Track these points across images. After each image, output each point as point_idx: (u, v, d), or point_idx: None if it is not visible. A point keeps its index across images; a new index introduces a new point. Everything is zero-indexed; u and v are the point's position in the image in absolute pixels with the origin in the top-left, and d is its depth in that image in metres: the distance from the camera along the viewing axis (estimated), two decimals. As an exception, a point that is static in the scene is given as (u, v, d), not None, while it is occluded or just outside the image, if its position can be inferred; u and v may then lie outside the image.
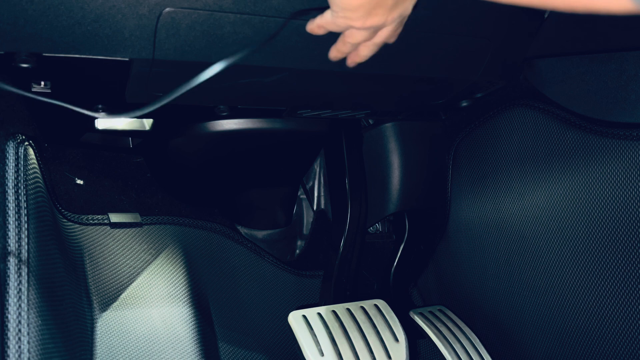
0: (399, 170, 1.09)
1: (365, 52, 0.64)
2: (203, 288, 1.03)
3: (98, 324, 0.91)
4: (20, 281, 0.74)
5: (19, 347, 0.71)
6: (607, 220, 0.80)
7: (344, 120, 1.06)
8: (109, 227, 0.99)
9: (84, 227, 0.97)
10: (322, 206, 1.20)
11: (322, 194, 1.20)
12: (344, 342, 0.91)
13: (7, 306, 0.72)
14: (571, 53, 0.85)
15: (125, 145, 1.09)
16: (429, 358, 1.08)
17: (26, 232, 0.76)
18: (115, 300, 0.94)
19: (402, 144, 1.08)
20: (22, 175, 0.78)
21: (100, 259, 0.96)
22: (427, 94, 0.93)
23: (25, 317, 0.72)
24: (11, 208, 0.76)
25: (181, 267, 1.01)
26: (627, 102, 0.78)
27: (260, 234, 1.20)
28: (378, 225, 1.20)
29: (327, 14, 0.59)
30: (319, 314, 0.96)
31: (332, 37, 0.71)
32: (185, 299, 0.98)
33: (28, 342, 0.71)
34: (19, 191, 0.77)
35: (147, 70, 0.70)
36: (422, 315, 1.06)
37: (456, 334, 1.01)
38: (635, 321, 0.78)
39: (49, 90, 0.77)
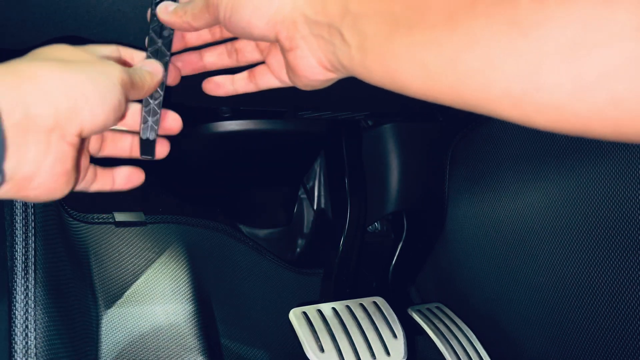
0: (398, 170, 1.10)
1: None
2: (205, 285, 1.04)
3: (103, 320, 0.92)
4: (27, 278, 0.75)
5: (26, 342, 0.72)
6: (600, 219, 0.81)
7: (343, 122, 1.07)
8: (113, 226, 1.00)
9: (89, 225, 0.98)
10: (323, 206, 1.20)
11: (322, 193, 1.21)
12: (344, 338, 0.92)
13: (14, 303, 0.73)
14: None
15: None
16: (426, 354, 1.09)
17: (33, 230, 0.77)
18: (120, 297, 0.95)
19: (400, 145, 1.09)
20: None
21: (105, 257, 0.97)
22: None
23: (32, 313, 0.73)
24: (18, 207, 0.77)
25: (184, 265, 1.02)
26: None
27: (261, 232, 1.21)
28: (377, 225, 1.21)
29: None
30: (319, 310, 0.96)
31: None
32: (188, 296, 0.99)
33: (35, 338, 0.72)
34: None
35: (152, 72, 0.71)
36: (420, 312, 1.06)
37: (453, 331, 1.02)
38: (626, 318, 0.79)
39: None
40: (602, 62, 0.26)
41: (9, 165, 0.34)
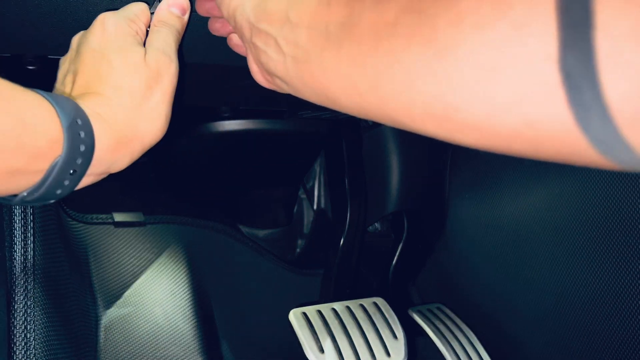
0: (398, 170, 1.10)
1: None
2: (205, 286, 1.04)
3: (102, 321, 0.92)
4: (26, 279, 0.75)
5: (25, 343, 0.72)
6: (601, 219, 0.81)
7: (344, 121, 1.07)
8: (112, 226, 1.00)
9: (88, 226, 0.98)
10: (323, 206, 1.20)
11: (322, 193, 1.21)
12: (344, 339, 0.92)
13: (13, 304, 0.73)
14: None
15: None
16: (427, 355, 1.09)
17: (32, 230, 0.77)
18: (119, 298, 0.95)
19: (401, 145, 1.09)
20: None
21: (104, 258, 0.97)
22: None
23: (32, 314, 0.73)
24: (17, 207, 0.77)
25: (184, 266, 1.02)
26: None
27: (261, 233, 1.21)
28: (377, 225, 1.21)
29: None
30: (319, 311, 0.96)
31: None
32: (188, 296, 0.99)
33: (34, 339, 0.72)
34: None
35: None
36: (420, 313, 1.06)
37: (454, 332, 1.02)
38: (627, 318, 0.79)
39: None
40: (513, 86, 0.26)
41: (97, 171, 0.42)
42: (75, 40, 0.51)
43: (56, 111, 0.37)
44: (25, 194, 0.38)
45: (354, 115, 0.37)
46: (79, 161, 0.38)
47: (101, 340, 0.91)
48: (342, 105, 0.37)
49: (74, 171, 0.39)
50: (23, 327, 0.72)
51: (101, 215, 1.00)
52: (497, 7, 0.26)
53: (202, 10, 0.55)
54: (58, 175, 0.38)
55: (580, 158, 0.27)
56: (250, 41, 0.43)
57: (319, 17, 0.37)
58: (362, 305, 1.00)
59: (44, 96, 0.38)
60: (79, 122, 0.38)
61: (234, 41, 0.54)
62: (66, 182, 0.39)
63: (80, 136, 0.38)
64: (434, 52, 0.29)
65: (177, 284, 1.00)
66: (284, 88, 0.44)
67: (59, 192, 0.39)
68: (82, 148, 0.38)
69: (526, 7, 0.25)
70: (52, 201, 0.41)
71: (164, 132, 0.47)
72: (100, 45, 0.46)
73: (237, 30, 0.45)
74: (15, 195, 0.38)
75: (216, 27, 0.55)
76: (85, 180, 0.41)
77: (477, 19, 0.27)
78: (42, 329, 0.74)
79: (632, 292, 0.78)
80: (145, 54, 0.47)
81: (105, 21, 0.48)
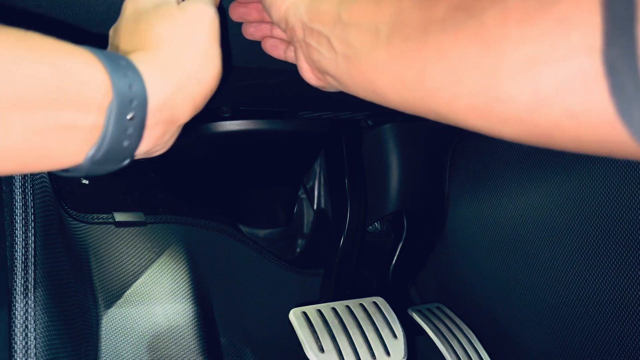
0: (398, 170, 1.10)
1: None
2: (205, 285, 1.04)
3: (103, 321, 0.92)
4: (27, 278, 0.75)
5: (26, 342, 0.72)
6: (601, 219, 0.81)
7: (344, 122, 1.07)
8: (113, 226, 1.00)
9: (89, 225, 0.98)
10: (322, 206, 1.20)
11: (322, 193, 1.21)
12: (344, 338, 0.92)
13: (14, 303, 0.73)
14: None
15: None
16: (427, 354, 1.09)
17: (33, 230, 0.77)
18: (119, 298, 0.95)
19: (400, 145, 1.09)
20: (28, 174, 0.79)
21: (105, 257, 0.97)
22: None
23: (32, 313, 0.73)
24: (18, 207, 0.77)
25: (184, 265, 1.02)
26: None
27: (261, 232, 1.21)
28: (377, 225, 1.21)
29: None
30: (319, 311, 0.96)
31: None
32: (188, 296, 0.99)
33: (35, 338, 0.72)
34: (26, 190, 0.78)
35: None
36: (420, 312, 1.06)
37: (453, 331, 1.02)
38: (627, 318, 0.79)
39: None
40: (556, 78, 0.27)
41: (161, 117, 0.39)
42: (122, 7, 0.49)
43: (95, 56, 0.35)
44: (92, 152, 0.36)
45: (400, 110, 0.39)
46: (134, 103, 0.36)
47: (102, 340, 0.91)
48: (389, 100, 0.38)
49: (133, 116, 0.36)
50: (24, 327, 0.72)
51: (102, 215, 1.01)
52: (542, 1, 0.27)
53: (235, 15, 0.55)
54: (116, 122, 0.35)
55: (621, 150, 0.28)
56: (302, 40, 0.44)
57: (369, 17, 0.38)
58: (362, 305, 1.00)
59: (78, 46, 0.36)
60: (122, 62, 0.37)
61: (270, 43, 0.55)
62: (129, 131, 0.37)
63: (127, 76, 0.36)
64: (480, 46, 0.30)
65: (178, 284, 1.00)
66: (334, 85, 0.45)
67: (125, 143, 0.37)
68: (134, 87, 0.36)
69: (571, 1, 0.26)
70: (126, 161, 0.39)
71: (219, 72, 0.44)
72: (136, 9, 0.45)
73: (287, 30, 0.46)
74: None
75: (250, 32, 0.56)
76: (155, 131, 0.39)
77: (523, 14, 0.28)
78: (42, 328, 0.74)
79: (631, 292, 0.78)
80: (178, 4, 0.45)
81: None
